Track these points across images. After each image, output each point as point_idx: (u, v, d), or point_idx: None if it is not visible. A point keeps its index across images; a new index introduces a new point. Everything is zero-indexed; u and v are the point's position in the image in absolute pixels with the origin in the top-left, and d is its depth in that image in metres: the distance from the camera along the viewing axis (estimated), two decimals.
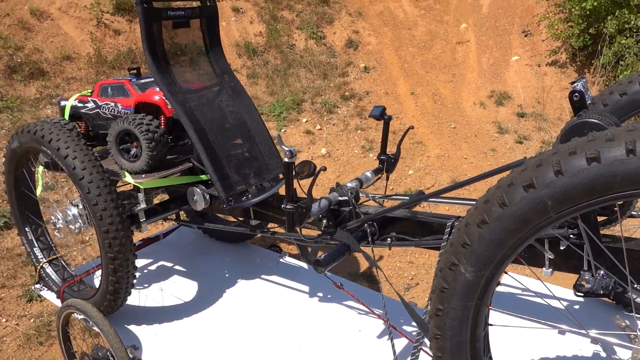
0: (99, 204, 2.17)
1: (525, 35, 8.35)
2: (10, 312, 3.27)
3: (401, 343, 2.22)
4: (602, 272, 1.37)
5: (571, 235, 1.47)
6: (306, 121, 7.12)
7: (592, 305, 2.23)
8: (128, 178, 2.41)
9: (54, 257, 2.85)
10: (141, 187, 2.42)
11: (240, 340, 2.43)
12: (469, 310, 1.27)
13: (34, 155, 2.55)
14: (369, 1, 9.67)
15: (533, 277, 2.12)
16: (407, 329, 2.36)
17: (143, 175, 2.38)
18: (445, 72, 8.04)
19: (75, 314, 2.49)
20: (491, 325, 1.35)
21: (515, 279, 2.26)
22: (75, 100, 2.78)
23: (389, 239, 1.93)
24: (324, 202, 2.01)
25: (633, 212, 1.70)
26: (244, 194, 2.36)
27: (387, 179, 2.42)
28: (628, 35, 6.34)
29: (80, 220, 2.51)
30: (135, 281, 2.44)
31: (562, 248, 1.50)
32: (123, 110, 2.58)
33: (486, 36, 8.58)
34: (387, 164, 2.39)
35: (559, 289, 2.32)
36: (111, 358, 2.43)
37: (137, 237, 3.17)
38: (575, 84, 1.57)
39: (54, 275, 2.78)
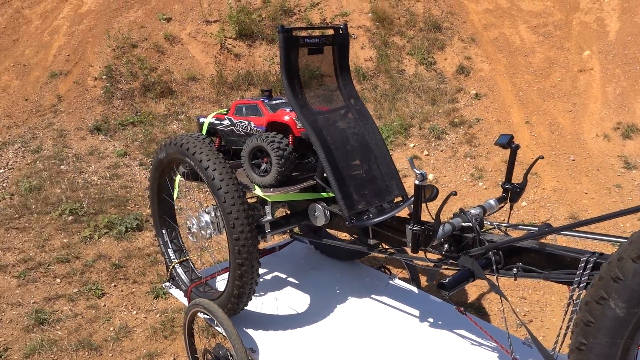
0: (233, 212, 2.36)
1: None
2: (140, 305, 3.61)
3: None
4: None
5: None
6: (413, 146, 7.12)
7: None
8: (257, 191, 2.60)
9: (184, 258, 3.12)
10: (269, 200, 2.60)
11: (351, 357, 2.49)
12: (617, 348, 1.23)
13: (176, 165, 2.84)
14: (483, 27, 9.51)
15: None
16: None
17: (271, 189, 2.56)
18: (564, 101, 7.65)
19: (201, 313, 2.71)
20: None
21: None
22: (212, 117, 3.06)
23: (514, 269, 1.90)
24: (448, 227, 2.03)
25: None
26: (365, 213, 2.44)
27: (511, 208, 2.38)
28: None
29: (211, 227, 2.74)
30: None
31: None
32: (255, 129, 2.79)
33: (613, 64, 8.06)
34: (512, 193, 2.36)
35: None
36: (230, 357, 2.60)
37: None
38: None
39: (183, 276, 3.05)
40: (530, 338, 1.75)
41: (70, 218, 4.87)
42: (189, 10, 9.92)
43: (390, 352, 2.49)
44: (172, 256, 3.11)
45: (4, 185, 5.77)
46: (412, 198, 2.09)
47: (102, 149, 7.14)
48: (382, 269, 3.31)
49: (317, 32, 2.66)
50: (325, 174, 2.53)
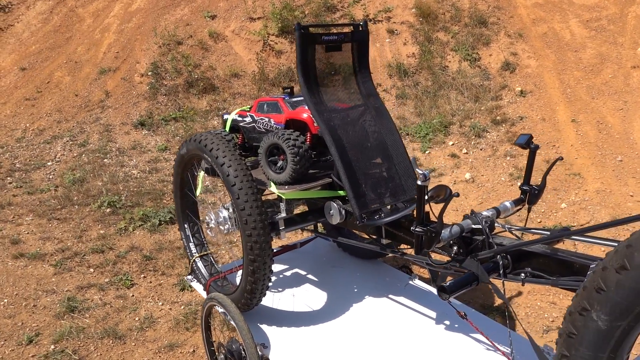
0: (246, 209, 2.38)
1: None
2: (166, 297, 3.71)
3: None
4: None
5: None
6: (452, 144, 6.96)
7: None
8: (273, 188, 2.61)
9: (205, 253, 3.18)
10: (283, 197, 2.61)
11: (362, 356, 2.47)
12: None
13: (198, 161, 2.89)
14: (531, 22, 9.17)
15: None
16: None
17: (286, 187, 2.56)
18: (615, 99, 7.27)
19: (216, 306, 2.75)
20: None
21: None
22: (236, 114, 3.09)
23: (522, 274, 1.82)
24: (456, 229, 1.97)
25: None
26: (378, 212, 2.41)
27: (529, 210, 2.28)
28: None
29: (229, 222, 2.77)
30: (270, 284, 2.62)
31: None
32: (275, 126, 2.80)
33: None
34: (530, 195, 2.26)
35: None
36: (243, 352, 2.63)
37: (277, 244, 3.40)
38: None
39: (203, 269, 3.11)
40: (530, 342, 1.67)
41: (108, 210, 5.06)
42: (233, 7, 10.07)
43: (401, 353, 2.45)
44: (194, 250, 3.17)
45: (51, 177, 6.06)
46: (427, 197, 2.04)
47: (145, 143, 7.37)
48: (404, 269, 3.26)
49: (335, 29, 2.64)
50: None
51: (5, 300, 3.62)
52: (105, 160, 6.62)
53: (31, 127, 8.01)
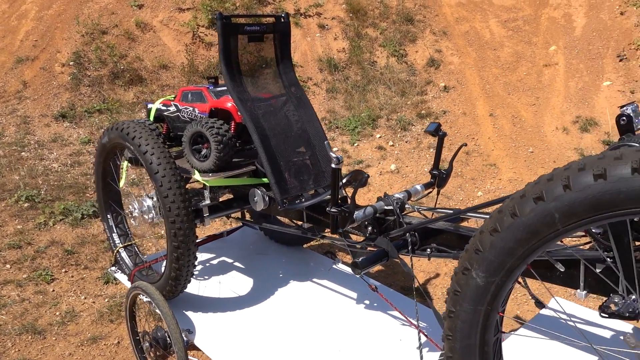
0: (169, 196, 2.40)
1: (620, 60, 7.91)
2: (89, 291, 3.62)
3: (431, 349, 2.24)
4: (634, 296, 1.34)
5: (607, 259, 1.45)
6: (379, 137, 7.20)
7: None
8: (197, 176, 2.64)
9: (129, 243, 3.15)
10: (207, 184, 2.64)
11: (286, 337, 2.56)
12: (479, 314, 1.31)
13: (120, 150, 2.85)
14: (454, 20, 9.61)
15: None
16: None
17: (210, 174, 2.60)
18: (528, 95, 7.79)
19: (141, 295, 2.74)
20: (504, 332, 1.38)
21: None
22: (160, 103, 3.08)
23: (428, 250, 1.98)
24: (369, 210, 2.10)
25: None
26: (299, 198, 2.50)
27: (438, 193, 2.46)
28: None
29: (153, 211, 2.77)
30: (195, 271, 2.65)
31: (598, 271, 1.49)
32: (199, 115, 2.82)
33: (577, 59, 8.22)
34: (439, 179, 2.44)
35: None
36: (168, 339, 2.64)
37: (204, 233, 3.42)
38: (625, 107, 1.55)
39: (127, 260, 3.08)
40: (432, 310, 1.83)
41: (26, 205, 4.84)
42: None
43: (322, 331, 2.56)
44: (117, 241, 3.13)
45: None
46: (342, 182, 2.16)
47: (66, 136, 7.06)
48: (328, 255, 3.38)
49: (257, 20, 2.70)
50: None
51: None
52: (23, 153, 6.29)
53: None
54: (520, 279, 2.14)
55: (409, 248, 1.98)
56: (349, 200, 2.25)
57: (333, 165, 2.01)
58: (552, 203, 1.11)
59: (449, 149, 6.70)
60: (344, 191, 2.31)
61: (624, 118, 1.53)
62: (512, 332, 2.15)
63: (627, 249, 1.35)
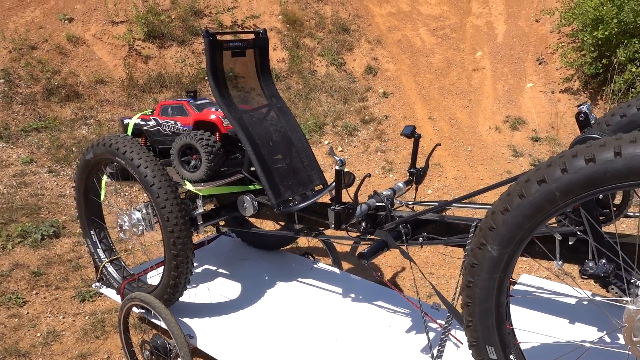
0: (167, 207, 2.50)
1: (540, 63, 8.69)
2: (66, 310, 3.58)
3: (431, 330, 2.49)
4: (603, 260, 1.65)
5: (578, 232, 1.76)
6: (328, 143, 7.47)
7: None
8: (188, 186, 2.74)
9: (115, 257, 3.17)
10: (200, 193, 2.75)
11: (283, 332, 2.71)
12: (495, 281, 1.57)
13: (105, 165, 2.90)
14: (387, 30, 10.10)
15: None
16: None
17: (202, 184, 2.72)
18: (461, 98, 8.37)
19: (136, 307, 2.80)
20: (511, 296, 1.65)
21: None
22: (137, 118, 3.14)
23: (420, 239, 2.23)
24: (364, 207, 2.32)
25: (629, 213, 1.99)
26: (291, 201, 2.67)
27: (416, 189, 2.73)
28: (639, 64, 6.64)
29: (143, 224, 2.84)
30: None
31: (570, 243, 1.80)
32: (182, 128, 2.93)
33: (501, 64, 8.93)
34: (417, 176, 2.71)
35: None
36: (168, 346, 2.73)
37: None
38: (581, 106, 1.88)
39: (114, 274, 3.10)
40: (438, 296, 2.08)
41: None
42: (92, 10, 9.57)
43: (317, 327, 2.74)
44: (102, 255, 3.15)
45: None
46: (333, 183, 2.36)
47: (5, 156, 6.77)
48: (306, 256, 3.57)
49: (239, 37, 2.86)
50: (252, 168, 2.73)
51: None
52: None
53: None
54: None
55: (403, 238, 2.22)
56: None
57: (337, 167, 2.22)
58: (553, 184, 1.39)
59: (395, 152, 7.10)
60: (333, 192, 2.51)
61: (582, 115, 1.85)
62: None
63: (595, 221, 1.66)
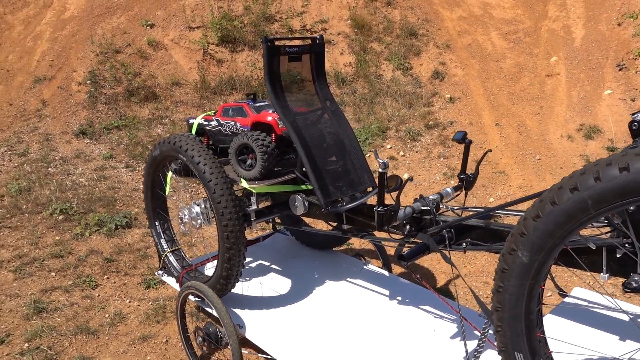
0: (222, 202, 2.65)
1: (620, 69, 8.22)
2: (133, 295, 3.86)
3: (470, 335, 2.47)
4: None
5: (626, 245, 1.71)
6: (390, 147, 7.46)
7: None
8: (244, 183, 2.89)
9: (176, 248, 3.39)
10: (254, 191, 2.89)
11: (328, 329, 2.79)
12: (524, 288, 1.56)
13: (170, 161, 3.11)
14: (457, 34, 9.93)
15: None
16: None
17: (256, 182, 2.86)
18: (532, 105, 8.08)
19: (192, 295, 2.98)
20: (544, 304, 1.63)
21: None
22: (201, 119, 3.34)
23: (464, 244, 2.23)
24: (409, 210, 2.35)
25: None
26: (339, 201, 2.75)
27: (466, 195, 2.71)
28: None
29: (201, 217, 3.02)
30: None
31: (618, 256, 1.74)
32: (241, 128, 3.08)
33: (577, 69, 8.53)
34: (466, 182, 2.69)
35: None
36: (219, 333, 2.88)
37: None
38: (636, 114, 1.81)
39: (175, 263, 3.32)
40: (476, 301, 2.07)
41: (61, 217, 5.09)
42: (171, 16, 10.14)
43: (361, 326, 2.80)
44: (165, 246, 3.37)
45: None
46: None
47: (88, 152, 7.33)
48: (358, 257, 3.62)
49: (297, 42, 2.98)
50: (304, 169, 2.84)
51: None
52: (50, 169, 6.55)
53: None
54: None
55: (447, 243, 2.22)
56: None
57: (380, 170, 2.27)
58: (586, 192, 1.37)
59: (457, 158, 6.98)
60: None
61: (636, 124, 1.78)
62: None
63: None
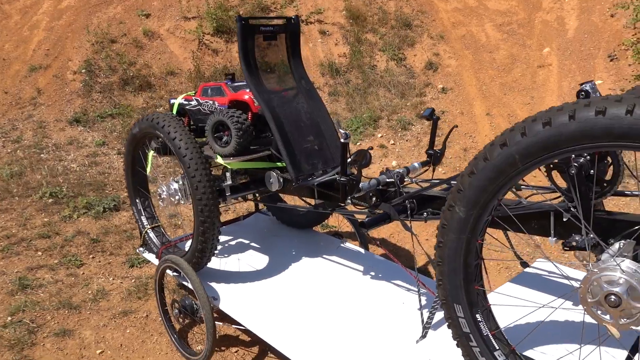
0: (196, 176, 2.72)
1: (611, 60, 8.25)
2: (116, 273, 3.94)
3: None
4: (591, 235, 1.65)
5: (571, 209, 1.77)
6: (381, 136, 7.52)
7: None
8: (219, 160, 2.96)
9: (156, 225, 3.46)
10: (229, 167, 2.96)
11: (302, 301, 2.86)
12: (462, 242, 1.62)
13: (149, 139, 3.18)
14: (451, 25, 9.96)
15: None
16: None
17: (231, 158, 2.92)
18: (523, 95, 8.13)
19: (169, 269, 3.05)
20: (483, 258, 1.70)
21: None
22: (182, 98, 3.40)
23: (425, 214, 2.30)
24: (374, 181, 2.42)
25: (626, 192, 1.95)
26: (311, 176, 2.82)
27: (434, 170, 2.77)
28: None
29: (179, 194, 3.09)
30: (216, 250, 2.97)
31: (564, 220, 1.81)
32: (219, 107, 3.15)
33: (569, 60, 8.56)
34: (434, 157, 2.76)
35: None
36: (195, 306, 2.96)
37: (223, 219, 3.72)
38: (584, 84, 1.87)
39: (155, 240, 3.39)
40: (432, 265, 2.14)
41: (50, 200, 5.16)
42: (167, 6, 10.19)
43: (334, 299, 2.87)
44: (145, 222, 3.44)
45: None
46: (349, 158, 2.48)
47: (81, 139, 7.40)
48: (336, 236, 3.69)
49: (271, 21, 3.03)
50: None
51: None
52: (42, 155, 6.63)
53: None
54: (506, 240, 2.46)
55: (408, 213, 2.29)
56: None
57: (342, 140, 2.33)
58: (514, 147, 1.44)
59: (447, 146, 7.03)
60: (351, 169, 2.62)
61: (583, 93, 1.84)
62: (495, 291, 2.46)
63: (585, 196, 1.67)
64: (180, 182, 3.08)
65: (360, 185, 2.39)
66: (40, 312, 3.40)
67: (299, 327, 2.64)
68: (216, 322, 2.75)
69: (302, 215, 3.68)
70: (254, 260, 3.34)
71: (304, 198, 3.17)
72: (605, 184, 1.73)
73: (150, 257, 3.41)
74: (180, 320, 3.03)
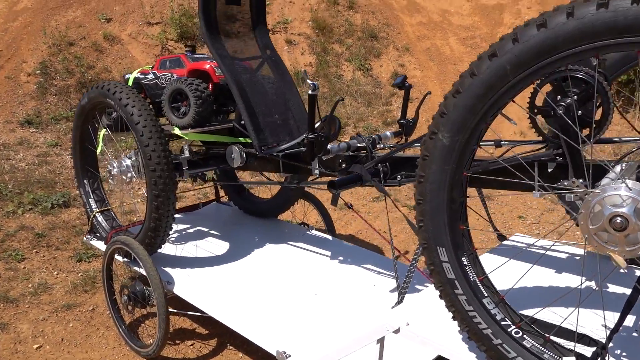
0: (150, 145, 2.48)
1: None
2: (62, 267, 3.60)
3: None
4: (580, 180, 1.51)
5: (557, 157, 1.64)
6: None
7: None
8: (176, 131, 2.73)
9: (106, 208, 3.18)
10: (186, 137, 2.73)
11: (264, 285, 2.63)
12: (446, 173, 1.45)
13: (100, 113, 2.92)
14: (416, 38, 10.06)
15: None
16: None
17: (189, 129, 2.70)
18: None
19: (119, 252, 2.78)
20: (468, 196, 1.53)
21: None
22: (137, 72, 3.17)
23: (399, 177, 2.13)
24: (344, 145, 2.24)
25: (614, 138, 1.84)
26: (276, 146, 2.62)
27: (406, 140, 2.63)
28: None
29: (131, 171, 2.83)
30: (172, 238, 2.72)
31: (549, 170, 1.67)
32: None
33: None
34: (406, 127, 2.61)
35: None
36: (146, 292, 2.68)
37: (179, 206, 3.46)
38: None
39: (104, 224, 3.10)
40: (407, 222, 1.96)
41: None
42: (130, 11, 9.92)
43: (300, 284, 2.65)
44: (94, 206, 3.15)
45: None
46: (318, 125, 2.30)
47: (32, 140, 7.00)
48: (302, 225, 3.48)
49: None
50: (242, 121, 2.70)
51: None
52: None
53: None
54: (484, 211, 2.31)
55: (381, 176, 2.12)
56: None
57: (310, 92, 2.16)
58: (505, 56, 1.28)
59: (413, 151, 6.97)
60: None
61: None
62: None
63: (573, 141, 1.54)
64: (134, 158, 2.83)
65: (330, 146, 2.21)
66: None
67: (262, 310, 2.41)
68: (170, 312, 2.49)
69: (266, 203, 3.47)
70: (213, 247, 3.09)
71: (268, 175, 2.97)
72: (595, 126, 1.60)
73: (99, 244, 3.12)
74: (130, 308, 2.74)
